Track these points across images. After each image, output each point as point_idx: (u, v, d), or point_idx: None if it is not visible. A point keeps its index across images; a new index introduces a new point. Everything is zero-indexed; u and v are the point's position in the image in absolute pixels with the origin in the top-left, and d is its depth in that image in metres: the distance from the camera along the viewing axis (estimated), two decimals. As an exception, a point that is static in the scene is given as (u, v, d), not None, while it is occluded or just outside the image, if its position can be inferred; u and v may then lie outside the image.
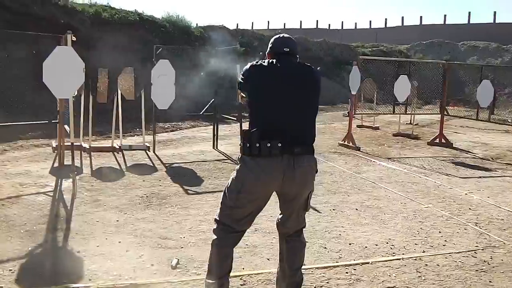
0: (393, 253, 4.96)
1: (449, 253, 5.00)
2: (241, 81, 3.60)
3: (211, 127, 11.93)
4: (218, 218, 3.60)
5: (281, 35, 3.79)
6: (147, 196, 6.78)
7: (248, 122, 3.53)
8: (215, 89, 11.25)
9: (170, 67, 9.83)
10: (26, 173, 7.77)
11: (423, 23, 39.36)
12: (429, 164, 10.11)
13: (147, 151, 10.21)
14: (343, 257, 4.81)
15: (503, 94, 27.66)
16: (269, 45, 3.73)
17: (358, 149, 11.48)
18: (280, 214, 3.74)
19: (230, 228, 3.54)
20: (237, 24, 52.31)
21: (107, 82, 9.99)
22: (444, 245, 5.25)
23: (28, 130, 10.92)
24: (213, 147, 10.95)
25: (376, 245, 5.16)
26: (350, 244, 5.16)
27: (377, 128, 15.89)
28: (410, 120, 16.31)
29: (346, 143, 11.94)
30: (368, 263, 4.67)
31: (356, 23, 54.97)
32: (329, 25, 46.86)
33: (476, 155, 11.80)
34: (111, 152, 9.87)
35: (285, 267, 3.71)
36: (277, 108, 3.38)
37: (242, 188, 3.41)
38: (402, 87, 12.71)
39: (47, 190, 6.92)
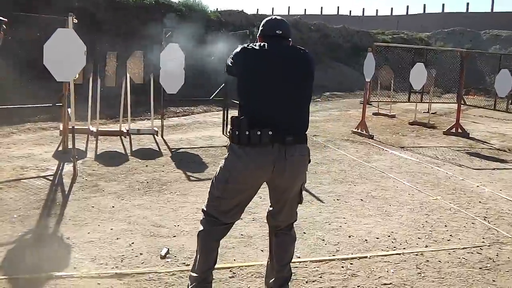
0: (394, 247, 4.76)
1: (453, 249, 4.79)
2: (230, 64, 3.39)
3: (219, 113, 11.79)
4: (205, 209, 3.42)
5: (273, 16, 3.54)
6: (147, 182, 6.65)
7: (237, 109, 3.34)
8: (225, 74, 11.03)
9: (180, 51, 9.64)
10: (29, 156, 7.69)
11: (445, 10, 38.76)
12: (442, 154, 9.84)
13: (155, 135, 10.06)
14: (340, 250, 4.61)
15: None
16: (260, 28, 3.48)
17: (371, 137, 11.23)
18: (270, 206, 3.55)
19: (216, 220, 3.36)
20: (257, 10, 51.99)
21: (115, 65, 9.86)
22: (448, 240, 5.03)
23: (37, 113, 10.85)
24: (223, 133, 10.79)
25: (377, 238, 4.96)
26: (349, 236, 4.97)
27: (393, 116, 15.58)
28: (428, 109, 15.96)
29: (359, 130, 11.69)
30: (366, 257, 4.48)
31: (377, 10, 54.58)
32: (350, 11, 46.80)
33: (493, 145, 11.48)
34: (118, 136, 9.74)
35: (274, 261, 3.54)
36: (268, 94, 3.19)
37: (229, 178, 3.23)
38: (418, 75, 12.37)
39: (48, 174, 6.81)
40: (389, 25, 37.07)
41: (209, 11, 23.17)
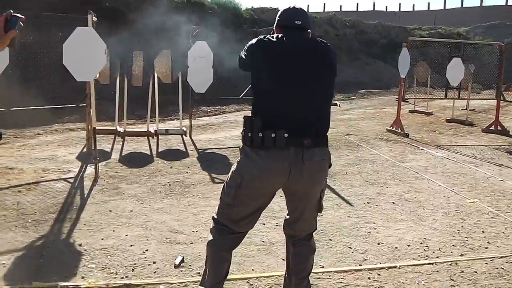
0: (426, 256, 4.40)
1: (490, 258, 4.41)
2: (243, 57, 3.05)
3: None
4: (215, 217, 3.15)
5: (292, 5, 3.15)
6: (170, 184, 6.43)
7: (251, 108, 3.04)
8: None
9: (208, 48, 9.42)
10: (52, 158, 7.57)
11: (483, 4, 37.75)
12: (481, 153, 9.37)
13: (183, 135, 9.86)
14: (368, 259, 4.29)
15: None
16: (277, 18, 3.15)
17: (407, 135, 10.82)
18: (287, 214, 3.24)
19: (227, 229, 3.08)
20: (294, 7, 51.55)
21: (142, 65, 9.69)
22: (486, 248, 4.65)
23: (66, 113, 10.79)
24: (253, 132, 10.50)
25: (408, 245, 4.62)
26: (378, 244, 4.63)
27: (430, 114, 15.09)
28: (466, 106, 15.39)
29: (394, 129, 11.29)
30: (395, 267, 4.14)
31: (414, 5, 53.51)
32: (386, 7, 45.80)
33: (536, 144, 10.95)
34: (146, 137, 9.57)
35: (291, 275, 3.25)
36: (284, 91, 2.87)
37: (242, 183, 2.93)
38: (455, 71, 11.87)
39: (69, 176, 6.66)
40: (426, 20, 36.32)
41: (242, 9, 22.96)
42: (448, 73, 11.95)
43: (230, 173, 3.06)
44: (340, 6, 46.90)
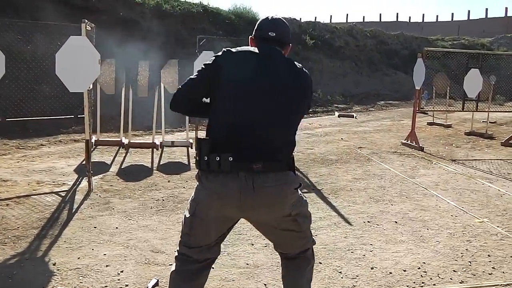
0: (422, 283, 4.07)
1: (493, 286, 4.07)
2: (202, 68, 2.73)
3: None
4: (178, 247, 2.89)
5: (271, 16, 2.91)
6: (163, 200, 6.18)
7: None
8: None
9: (215, 59, 9.17)
10: (50, 170, 7.38)
11: (508, 14, 36.91)
12: (497, 168, 8.96)
13: (189, 147, 9.63)
14: (358, 285, 3.96)
15: None
16: (255, 27, 2.90)
17: (421, 149, 10.44)
18: None
19: (188, 258, 2.79)
20: (315, 18, 51.46)
21: (147, 75, 9.50)
22: (490, 274, 4.30)
23: (72, 124, 10.65)
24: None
25: (404, 270, 4.28)
26: (372, 268, 4.31)
27: (449, 126, 14.68)
28: (487, 118, 14.92)
29: (409, 142, 10.91)
30: (387, 294, 3.84)
31: (437, 16, 52.87)
32: (410, 17, 45.48)
33: (557, 158, 10.49)
34: (151, 149, 9.35)
35: None
36: (239, 111, 2.60)
37: (196, 211, 2.67)
38: (473, 82, 11.47)
39: (62, 189, 6.46)
40: (450, 31, 35.77)
41: (260, 19, 22.76)
42: (465, 84, 11.57)
43: (189, 200, 2.79)
44: (363, 17, 46.54)
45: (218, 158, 2.51)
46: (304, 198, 2.86)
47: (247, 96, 2.61)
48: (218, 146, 2.54)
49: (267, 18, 2.89)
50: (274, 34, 2.80)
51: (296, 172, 2.84)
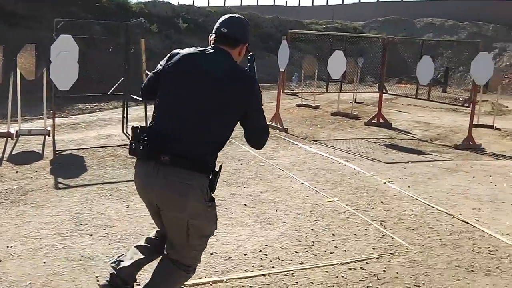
0: (261, 266, 3.94)
1: (332, 265, 4.02)
2: (159, 66, 2.91)
3: (135, 107, 10.89)
4: None
5: (233, 14, 3.01)
6: (6, 192, 5.63)
7: None
8: (124, 66, 9.98)
9: (73, 43, 8.60)
10: None
11: (380, 0, 38.51)
12: (357, 147, 9.16)
13: (47, 136, 8.99)
14: (195, 273, 3.76)
15: (457, 72, 27.08)
16: None
17: (285, 130, 10.48)
18: None
19: None
20: (193, 1, 51.06)
21: (1, 60, 8.73)
22: (331, 253, 4.26)
23: None
24: (122, 131, 9.80)
25: (245, 254, 4.14)
26: (211, 254, 4.12)
27: (317, 107, 14.92)
28: (353, 99, 15.35)
29: (273, 124, 10.88)
30: (221, 281, 3.66)
31: (313, 0, 53.99)
32: (286, 2, 45.95)
33: (414, 136, 10.96)
34: (5, 138, 8.60)
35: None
36: (165, 104, 2.78)
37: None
38: (337, 63, 11.65)
39: None
40: (325, 15, 36.61)
41: (132, 2, 22.10)
42: (329, 66, 11.73)
43: None
44: (241, 0, 46.28)
45: (140, 146, 2.66)
46: (215, 218, 2.88)
47: (172, 90, 2.76)
48: (146, 134, 2.71)
49: (227, 16, 2.97)
50: (225, 30, 2.86)
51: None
